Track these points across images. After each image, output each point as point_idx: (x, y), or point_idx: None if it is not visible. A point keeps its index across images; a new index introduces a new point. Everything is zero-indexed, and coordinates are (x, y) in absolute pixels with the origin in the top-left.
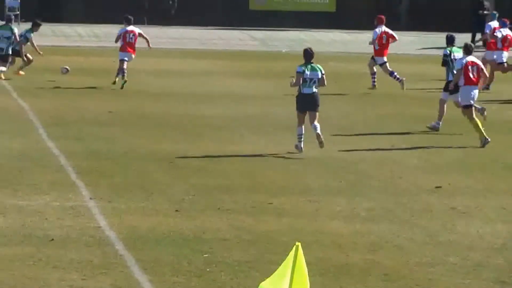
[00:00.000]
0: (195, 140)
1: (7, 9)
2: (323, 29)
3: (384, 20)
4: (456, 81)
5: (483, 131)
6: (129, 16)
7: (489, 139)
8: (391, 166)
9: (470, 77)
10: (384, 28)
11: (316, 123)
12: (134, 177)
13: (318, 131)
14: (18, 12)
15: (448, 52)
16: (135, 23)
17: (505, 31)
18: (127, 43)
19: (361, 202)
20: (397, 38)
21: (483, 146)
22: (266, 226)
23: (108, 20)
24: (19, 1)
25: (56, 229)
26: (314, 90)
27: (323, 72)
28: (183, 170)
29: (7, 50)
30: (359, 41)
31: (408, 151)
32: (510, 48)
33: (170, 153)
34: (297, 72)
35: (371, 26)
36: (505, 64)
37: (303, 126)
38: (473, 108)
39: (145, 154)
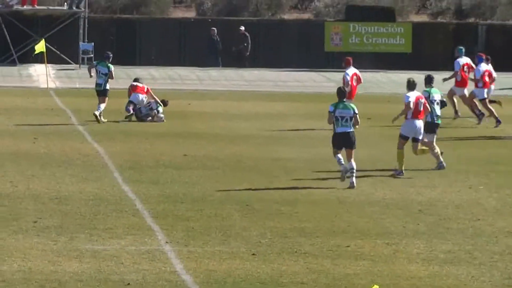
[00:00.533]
0: (271, 183)
1: (81, 52)
2: (399, 70)
3: (352, 61)
4: (405, 113)
5: (402, 164)
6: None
7: (403, 173)
8: (470, 208)
9: (417, 110)
10: (353, 69)
11: (353, 161)
12: (210, 220)
13: (354, 179)
14: (92, 55)
15: (427, 94)
16: (210, 65)
17: (484, 67)
18: (133, 87)
19: (439, 245)
20: (362, 81)
21: (394, 176)
22: (343, 270)
23: (183, 63)
24: (93, 44)
25: (132, 274)
26: (350, 129)
27: (356, 111)
28: (259, 213)
29: (105, 85)
30: (436, 82)
31: (487, 192)
32: (493, 83)
33: (246, 196)
34: (329, 111)
35: (447, 67)
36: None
37: (339, 155)
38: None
39: (220, 197)
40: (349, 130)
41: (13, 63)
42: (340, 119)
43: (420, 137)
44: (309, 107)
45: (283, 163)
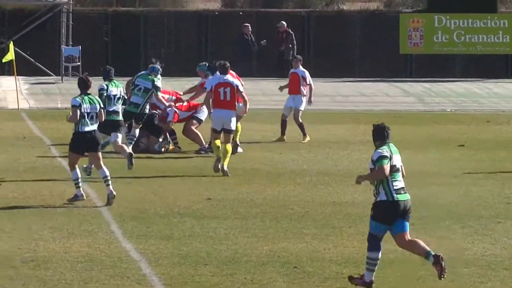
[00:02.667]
0: (329, 236)
1: (63, 59)
2: (502, 78)
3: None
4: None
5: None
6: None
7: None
8: None
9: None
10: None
11: (103, 166)
12: None
13: (111, 187)
14: (78, 63)
15: (105, 86)
16: (241, 74)
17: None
18: None
19: None
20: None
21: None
22: None
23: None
24: (80, 48)
25: None
26: (94, 127)
27: (101, 105)
28: (313, 278)
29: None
30: None
31: None
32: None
33: (294, 254)
34: (73, 105)
35: None
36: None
37: (78, 170)
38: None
39: (259, 257)
40: (94, 129)
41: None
42: (86, 116)
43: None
44: None
45: (345, 209)
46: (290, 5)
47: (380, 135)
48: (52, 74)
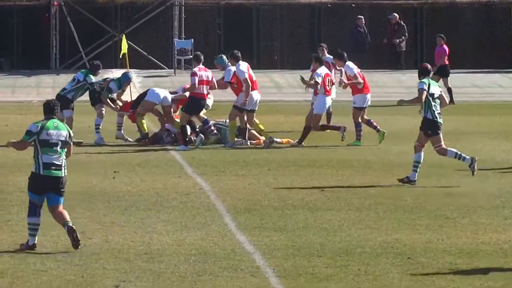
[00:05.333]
0: (442, 227)
1: (176, 52)
2: None
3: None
4: None
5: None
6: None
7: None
8: None
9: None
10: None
11: None
12: (358, 280)
13: None
14: (190, 56)
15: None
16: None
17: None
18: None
19: None
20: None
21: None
22: None
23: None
24: (192, 40)
25: None
26: None
27: None
28: (426, 269)
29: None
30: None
31: None
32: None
33: (408, 245)
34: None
35: None
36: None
37: None
38: None
39: (373, 248)
40: None
41: (83, 69)
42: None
43: None
44: (493, 122)
45: (458, 200)
46: None
47: (46, 111)
48: (165, 67)
